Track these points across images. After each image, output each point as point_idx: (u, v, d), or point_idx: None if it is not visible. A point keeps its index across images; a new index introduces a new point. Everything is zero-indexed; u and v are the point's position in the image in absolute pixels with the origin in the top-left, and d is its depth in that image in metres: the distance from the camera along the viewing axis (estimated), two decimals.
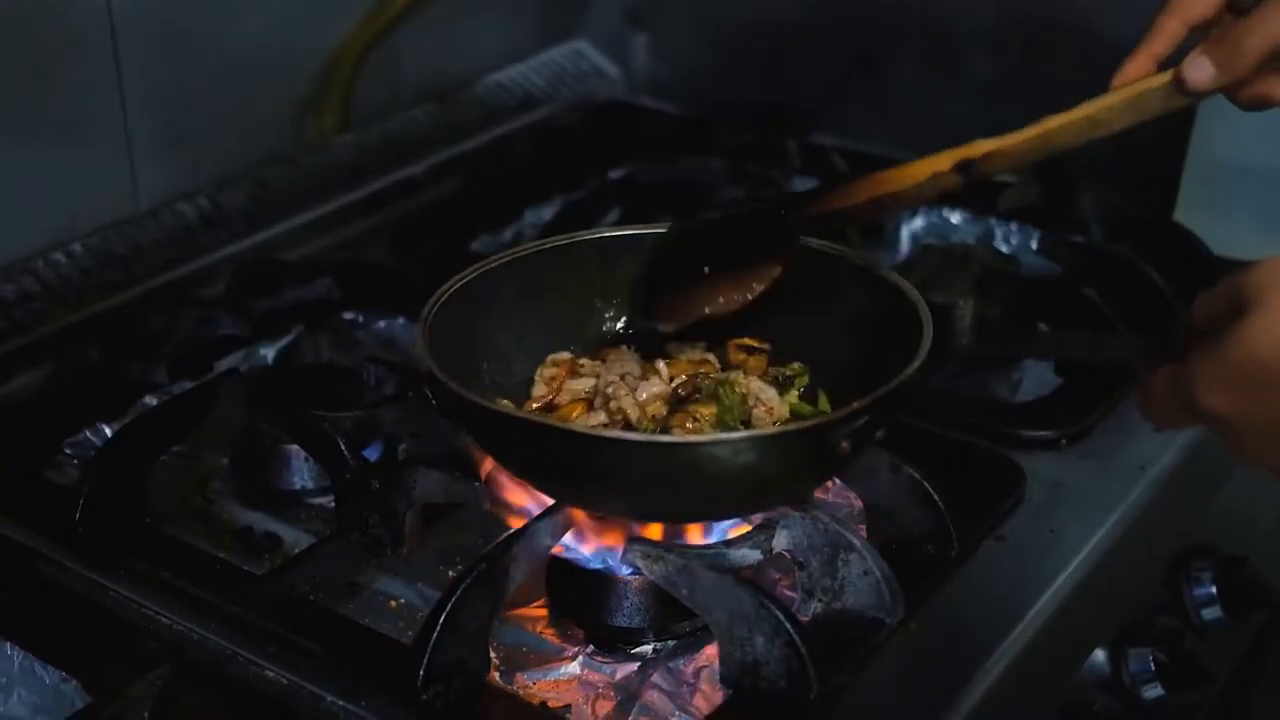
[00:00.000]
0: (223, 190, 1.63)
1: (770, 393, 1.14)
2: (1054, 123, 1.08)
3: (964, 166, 1.09)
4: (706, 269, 1.15)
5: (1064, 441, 1.27)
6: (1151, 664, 1.27)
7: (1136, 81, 1.07)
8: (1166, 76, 1.06)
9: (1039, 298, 1.45)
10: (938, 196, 1.12)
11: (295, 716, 1.01)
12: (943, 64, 1.84)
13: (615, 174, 1.79)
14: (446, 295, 1.13)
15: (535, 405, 1.17)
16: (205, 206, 1.61)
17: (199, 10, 1.57)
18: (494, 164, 1.81)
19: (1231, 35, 1.03)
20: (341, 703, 1.00)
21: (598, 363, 1.19)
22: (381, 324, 1.48)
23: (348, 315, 1.47)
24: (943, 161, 1.10)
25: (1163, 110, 1.07)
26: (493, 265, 1.18)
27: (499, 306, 1.19)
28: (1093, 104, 1.08)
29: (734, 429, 1.11)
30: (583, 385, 1.17)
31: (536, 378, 1.19)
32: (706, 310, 1.16)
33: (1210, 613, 1.36)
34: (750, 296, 1.16)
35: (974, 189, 1.65)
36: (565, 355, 1.20)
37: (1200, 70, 1.04)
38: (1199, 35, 1.07)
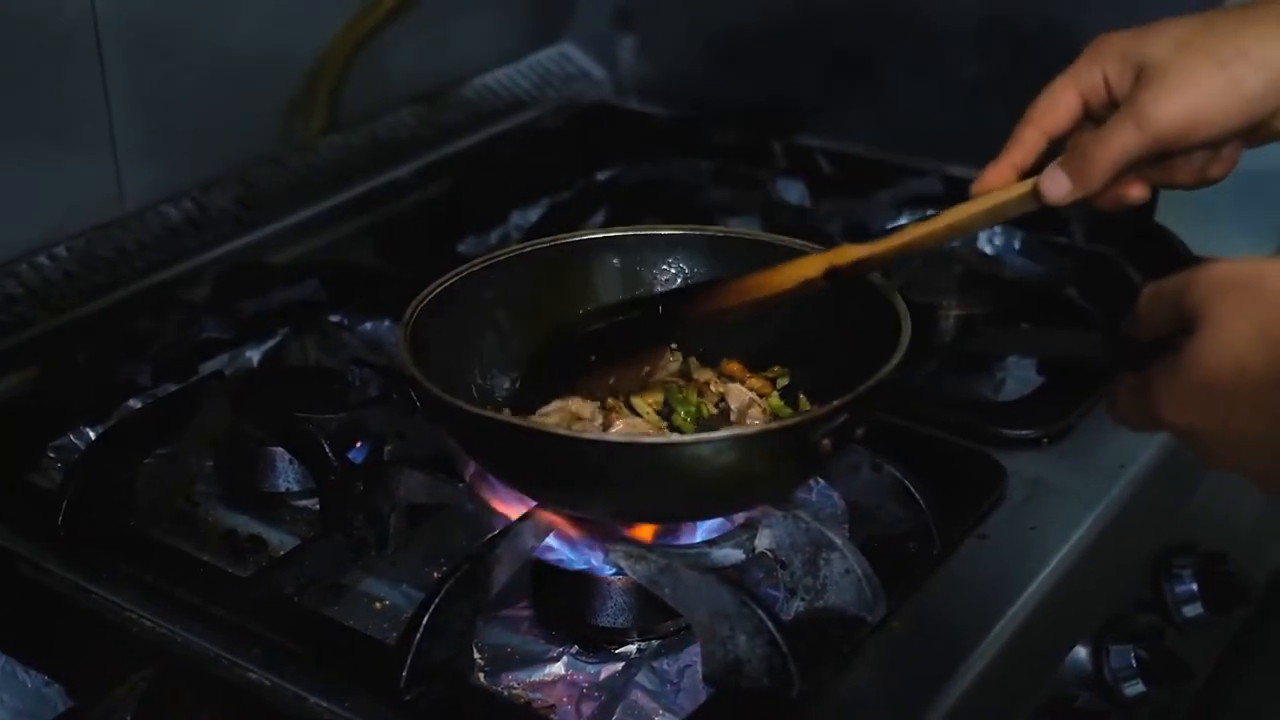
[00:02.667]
0: (208, 192, 1.63)
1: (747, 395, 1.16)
2: (917, 231, 1.12)
3: (832, 273, 1.12)
4: (593, 357, 1.19)
5: (1045, 440, 1.27)
6: (1133, 660, 1.28)
7: (997, 191, 1.10)
8: (1025, 187, 1.08)
9: (1022, 298, 1.46)
10: (805, 296, 1.14)
11: (279, 718, 1.01)
12: (929, 65, 1.84)
13: (602, 176, 1.80)
14: (428, 298, 1.14)
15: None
16: (191, 209, 1.61)
17: (184, 12, 1.57)
18: (481, 166, 1.82)
19: (1083, 149, 1.05)
20: (325, 704, 1.00)
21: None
22: (368, 326, 1.48)
23: (334, 317, 1.48)
24: (812, 268, 1.13)
25: (1018, 214, 1.11)
26: (475, 268, 1.19)
27: (482, 309, 1.19)
28: (953, 212, 1.10)
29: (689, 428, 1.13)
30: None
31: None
32: (596, 388, 1.19)
33: (1191, 609, 1.37)
34: (641, 374, 1.20)
35: (957, 195, 1.68)
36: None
37: (1056, 185, 1.07)
38: (1058, 146, 1.10)
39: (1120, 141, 1.04)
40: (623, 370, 1.19)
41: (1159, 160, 1.07)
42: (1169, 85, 1.02)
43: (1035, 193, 1.08)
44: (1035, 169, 1.09)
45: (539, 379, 1.19)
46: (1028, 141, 1.09)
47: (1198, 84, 1.02)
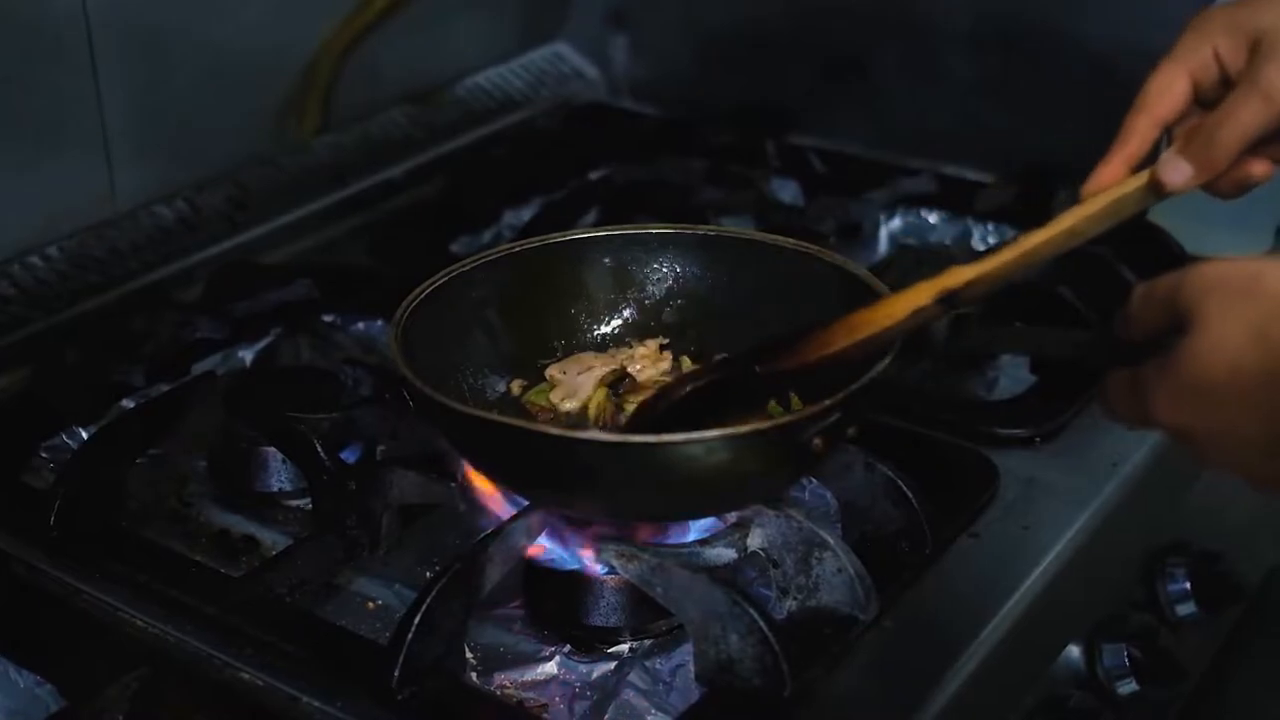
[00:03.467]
0: (201, 192, 1.63)
1: None
2: (1034, 239, 1.04)
3: (947, 299, 1.03)
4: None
5: (1038, 439, 1.27)
6: (1126, 659, 1.28)
7: (1112, 187, 1.04)
8: (1142, 179, 1.03)
9: (1015, 297, 1.45)
10: (919, 329, 1.04)
11: (271, 718, 1.01)
12: (922, 65, 1.85)
13: (595, 175, 1.80)
14: (419, 299, 1.14)
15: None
16: (183, 209, 1.61)
17: (176, 12, 1.57)
18: (474, 166, 1.82)
19: (1205, 130, 1.00)
20: (317, 704, 1.00)
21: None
22: (360, 326, 1.48)
23: (326, 317, 1.47)
24: (921, 295, 1.03)
25: (1139, 210, 1.04)
26: (465, 268, 1.19)
27: (472, 309, 1.19)
28: (1072, 215, 1.03)
29: None
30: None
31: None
32: None
33: (1184, 608, 1.37)
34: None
35: (951, 194, 1.69)
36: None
37: (1177, 171, 1.02)
38: (1170, 133, 1.05)
39: (1247, 117, 0.99)
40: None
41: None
42: None
43: (1154, 184, 1.02)
44: (1149, 160, 1.04)
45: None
46: (1142, 131, 1.04)
47: None
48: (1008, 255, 1.04)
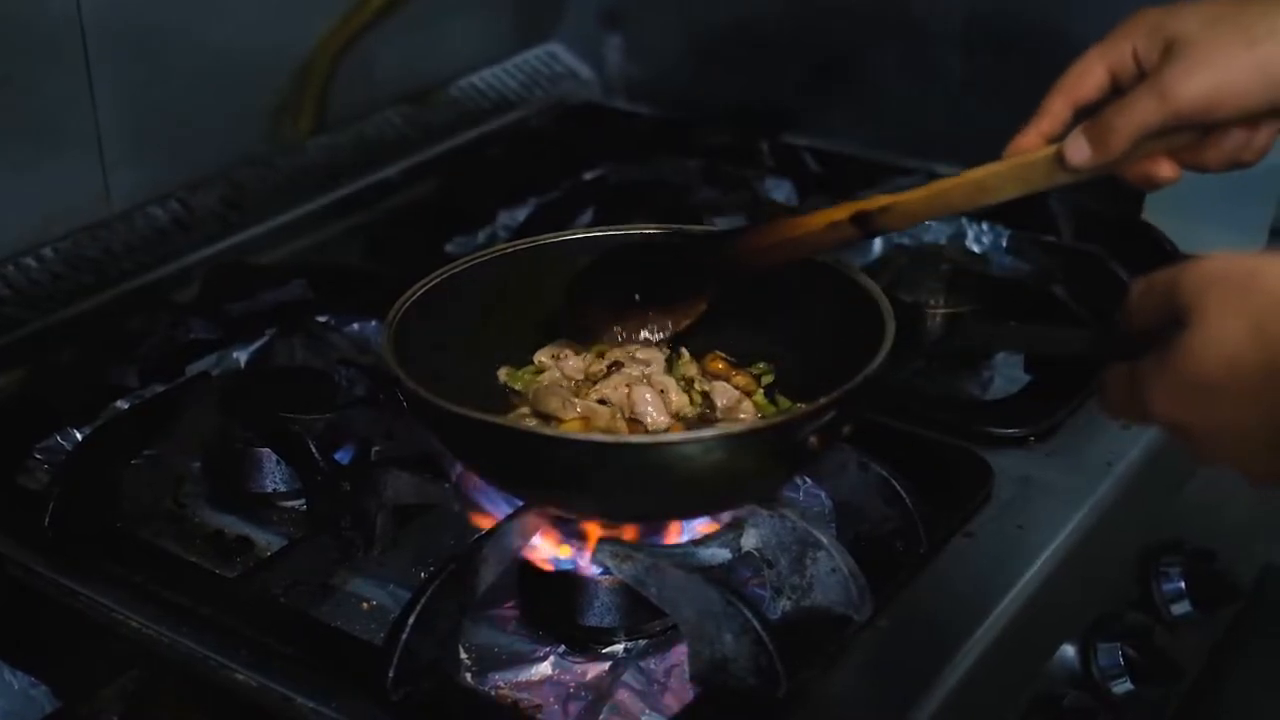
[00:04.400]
0: (195, 193, 1.63)
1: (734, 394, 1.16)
2: (945, 184, 1.12)
3: (860, 218, 1.13)
4: (636, 295, 1.21)
5: (1032, 438, 1.27)
6: (1121, 659, 1.28)
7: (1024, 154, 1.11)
8: (1050, 150, 1.09)
9: (1009, 297, 1.46)
10: (837, 245, 1.16)
11: (266, 718, 1.01)
12: (916, 65, 1.85)
13: (589, 175, 1.80)
14: (411, 299, 1.14)
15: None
16: (177, 209, 1.61)
17: (171, 13, 1.57)
18: (468, 166, 1.82)
19: (1104, 117, 1.07)
20: (312, 704, 1.00)
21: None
22: (355, 326, 1.48)
23: (321, 318, 1.47)
24: (839, 212, 1.13)
25: (1047, 184, 1.11)
26: (457, 269, 1.19)
27: (466, 309, 1.19)
28: (981, 170, 1.11)
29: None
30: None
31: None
32: (635, 335, 1.21)
33: (1179, 607, 1.37)
34: (677, 327, 1.21)
35: None
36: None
37: (1078, 150, 1.08)
38: (1085, 116, 1.11)
39: (1140, 111, 1.05)
40: (659, 315, 1.20)
41: (1190, 140, 1.08)
42: (1195, 60, 1.03)
43: (1059, 158, 1.09)
44: (1062, 139, 1.10)
45: (577, 313, 1.21)
46: (1056, 111, 1.10)
47: (1223, 61, 1.03)
48: (919, 192, 1.12)
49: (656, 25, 2.03)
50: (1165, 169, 1.10)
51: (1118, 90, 1.09)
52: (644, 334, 1.20)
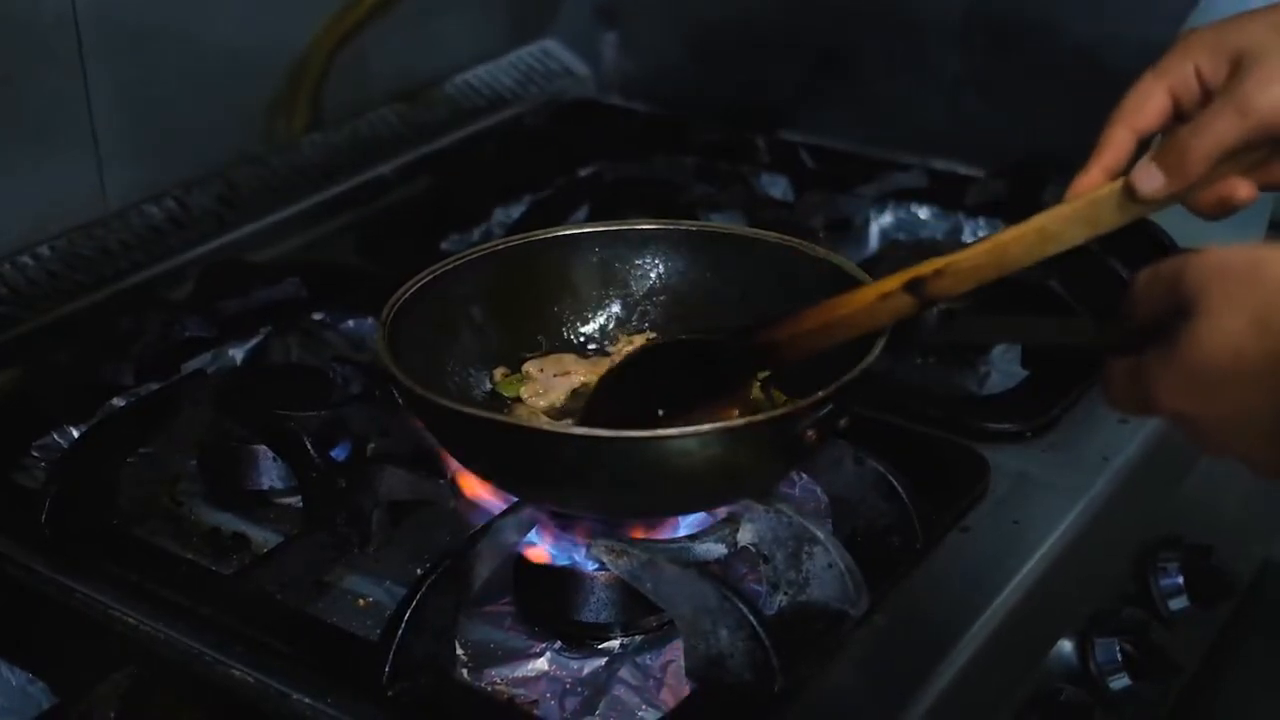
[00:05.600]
0: (190, 191, 1.63)
1: None
2: (1004, 237, 1.05)
3: (914, 285, 1.04)
4: (659, 411, 1.11)
5: (1028, 433, 1.27)
6: (1118, 654, 1.28)
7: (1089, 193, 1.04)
8: (1117, 185, 1.02)
9: (1005, 291, 1.45)
10: (891, 320, 1.06)
11: (262, 715, 1.01)
12: (911, 61, 1.85)
13: (584, 172, 1.80)
14: (405, 296, 1.14)
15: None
16: (173, 208, 1.61)
17: (165, 11, 1.57)
18: (463, 163, 1.82)
19: (1179, 140, 1.00)
20: (308, 700, 1.00)
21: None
22: (350, 324, 1.48)
23: (316, 315, 1.47)
24: (890, 283, 1.05)
25: (1117, 222, 1.03)
26: (450, 266, 1.19)
27: (458, 306, 1.19)
28: (1044, 216, 1.04)
29: None
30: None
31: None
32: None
33: (1177, 603, 1.37)
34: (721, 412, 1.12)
35: (941, 189, 1.69)
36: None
37: (1150, 179, 1.01)
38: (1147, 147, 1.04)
39: (1220, 130, 0.99)
40: (702, 407, 1.12)
41: (1261, 157, 1.02)
42: (1272, 68, 0.98)
43: (1127, 190, 1.02)
44: (1128, 172, 1.03)
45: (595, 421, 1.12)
46: (1118, 142, 1.04)
47: None
48: (978, 249, 1.04)
49: (652, 21, 2.03)
50: (1243, 190, 1.02)
51: (1180, 115, 1.03)
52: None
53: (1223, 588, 1.40)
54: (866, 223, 1.68)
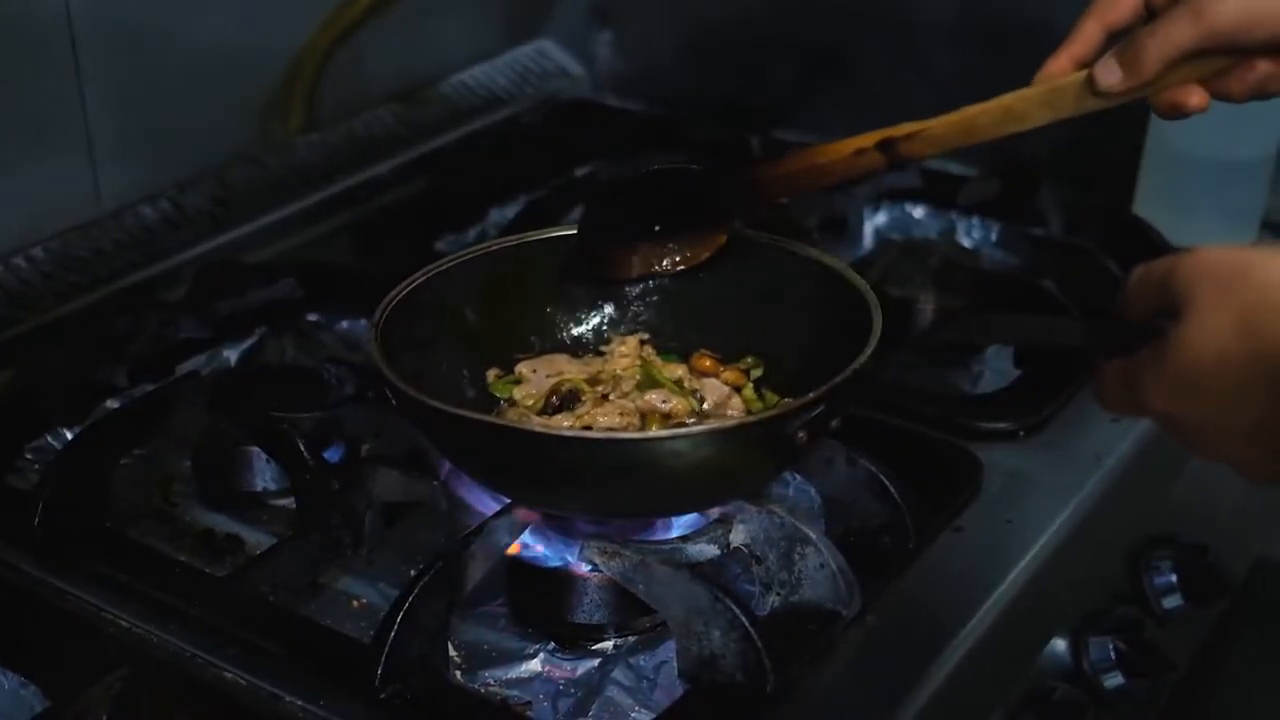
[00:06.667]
0: (185, 192, 1.63)
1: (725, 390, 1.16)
2: (973, 110, 1.11)
3: (886, 144, 1.11)
4: (656, 226, 1.19)
5: (1021, 433, 1.27)
6: (1112, 652, 1.28)
7: (1054, 79, 1.09)
8: (1081, 75, 1.07)
9: (999, 291, 1.46)
10: (864, 174, 1.14)
11: (254, 717, 1.01)
12: (906, 59, 1.85)
13: (580, 172, 1.80)
14: (398, 298, 1.14)
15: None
16: (168, 208, 1.61)
17: (160, 12, 1.56)
18: (459, 163, 1.82)
19: (1137, 39, 1.04)
20: (300, 703, 1.00)
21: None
22: (344, 325, 1.48)
23: (311, 316, 1.47)
24: (867, 140, 1.12)
25: (1077, 109, 1.08)
26: (442, 267, 1.19)
27: (451, 308, 1.19)
28: (1011, 95, 1.10)
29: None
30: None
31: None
32: (652, 268, 1.21)
33: (1170, 601, 1.37)
34: (695, 260, 1.19)
35: (935, 188, 1.69)
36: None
37: (1109, 73, 1.05)
38: (1118, 39, 1.09)
39: (1174, 32, 1.02)
40: (678, 246, 1.19)
41: (1219, 66, 1.05)
42: None
43: (1089, 81, 1.06)
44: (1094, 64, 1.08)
45: (591, 245, 1.20)
46: (1087, 34, 1.08)
47: None
48: (948, 118, 1.11)
49: (646, 21, 2.03)
50: (1195, 97, 1.06)
51: (1151, 13, 1.07)
52: (664, 264, 1.20)
53: (1216, 586, 1.40)
54: (861, 222, 1.68)
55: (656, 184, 1.20)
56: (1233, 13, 1.01)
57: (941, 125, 1.11)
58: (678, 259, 1.20)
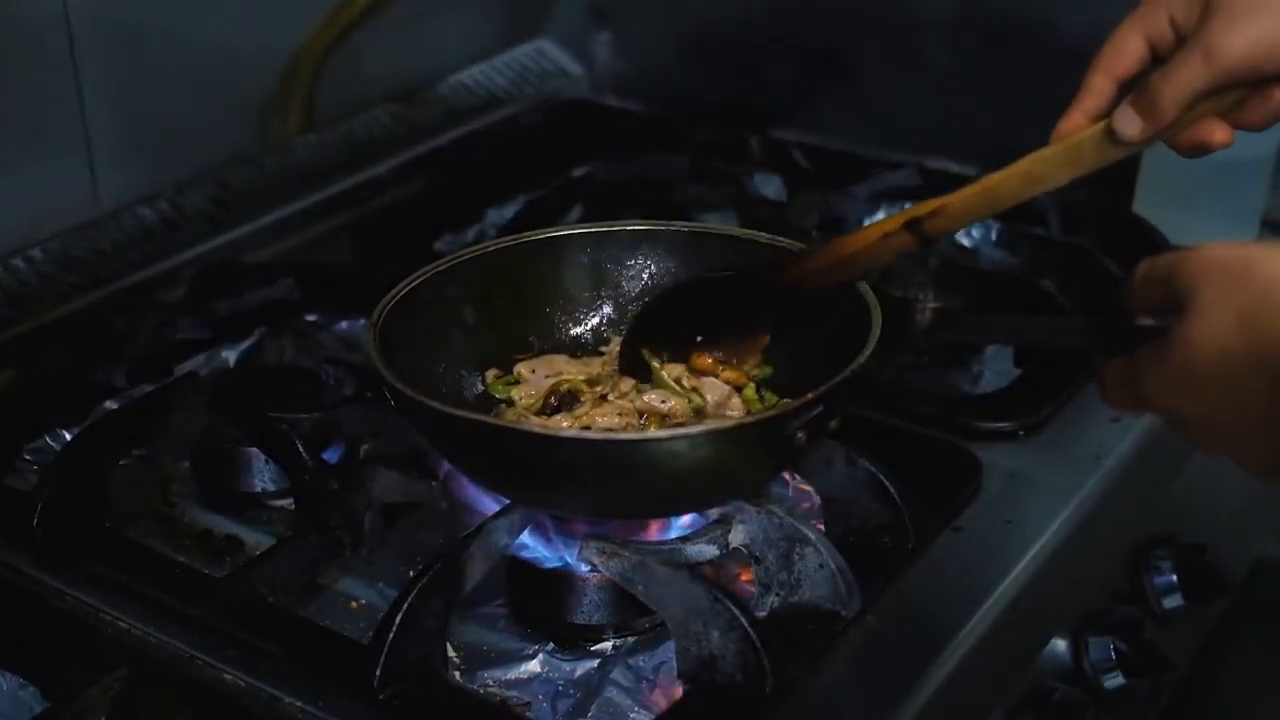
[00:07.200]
0: (184, 192, 1.63)
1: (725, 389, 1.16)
2: (993, 179, 1.09)
3: (913, 224, 1.09)
4: (698, 338, 1.20)
5: (1021, 432, 1.27)
6: (1112, 652, 1.28)
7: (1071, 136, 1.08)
8: (1099, 128, 1.06)
9: (998, 291, 1.46)
10: (894, 257, 1.12)
11: (254, 718, 1.01)
12: (905, 59, 1.85)
13: (578, 172, 1.80)
14: (396, 298, 1.14)
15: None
16: (166, 209, 1.61)
17: (158, 12, 1.57)
18: (457, 164, 1.82)
19: (1152, 85, 1.03)
20: (299, 704, 1.00)
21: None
22: (343, 325, 1.47)
23: (310, 317, 1.47)
24: (892, 223, 1.11)
25: (1099, 162, 1.07)
26: (441, 267, 1.19)
27: (450, 308, 1.19)
28: (1029, 158, 1.08)
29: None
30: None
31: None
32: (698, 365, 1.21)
33: (1170, 601, 1.37)
34: (743, 365, 1.20)
35: (934, 188, 1.68)
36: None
37: (1129, 122, 1.04)
38: (1128, 90, 1.08)
39: (1188, 74, 1.02)
40: (727, 351, 1.20)
41: (1238, 99, 1.04)
42: (1235, 14, 1.00)
43: (1109, 133, 1.05)
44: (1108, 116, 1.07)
45: (636, 355, 1.20)
46: (1097, 87, 1.07)
47: (1264, 13, 1.00)
48: (969, 190, 1.09)
49: (645, 21, 2.03)
50: (1218, 133, 1.06)
51: (1158, 60, 1.06)
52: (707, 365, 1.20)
53: (1216, 586, 1.40)
54: (860, 221, 1.68)
55: (692, 295, 1.21)
56: (1241, 49, 1.00)
57: (963, 198, 1.09)
58: (723, 359, 1.20)
